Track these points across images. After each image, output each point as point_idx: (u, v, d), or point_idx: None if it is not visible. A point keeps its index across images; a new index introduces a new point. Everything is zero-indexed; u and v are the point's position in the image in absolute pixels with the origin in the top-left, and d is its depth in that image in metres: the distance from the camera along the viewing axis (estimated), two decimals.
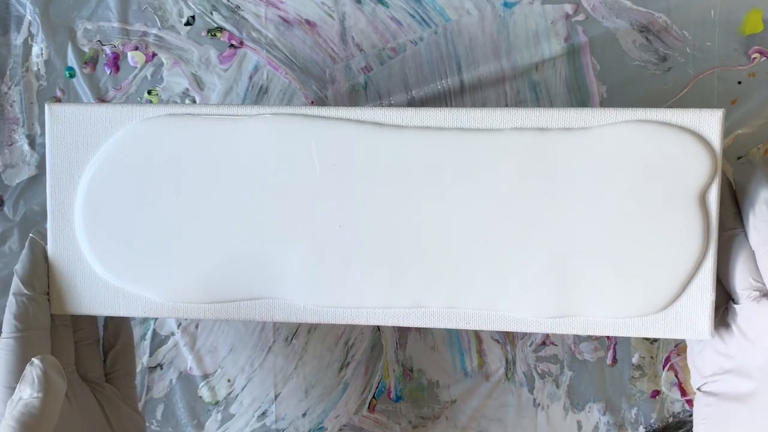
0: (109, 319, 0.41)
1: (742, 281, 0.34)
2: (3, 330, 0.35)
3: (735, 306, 0.34)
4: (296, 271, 0.36)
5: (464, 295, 0.35)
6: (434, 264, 0.35)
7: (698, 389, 0.37)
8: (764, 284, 0.34)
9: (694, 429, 0.37)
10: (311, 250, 0.36)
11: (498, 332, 0.46)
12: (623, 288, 0.34)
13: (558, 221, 0.34)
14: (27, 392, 0.32)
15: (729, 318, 0.35)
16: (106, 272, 0.36)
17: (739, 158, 0.45)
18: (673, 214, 0.33)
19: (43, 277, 0.36)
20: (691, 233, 0.33)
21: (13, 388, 0.33)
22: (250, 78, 0.46)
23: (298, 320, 0.36)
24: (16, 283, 0.36)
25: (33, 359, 0.32)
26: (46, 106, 0.36)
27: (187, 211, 0.36)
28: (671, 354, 0.46)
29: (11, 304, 0.35)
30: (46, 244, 0.37)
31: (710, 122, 0.33)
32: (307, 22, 0.45)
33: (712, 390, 0.36)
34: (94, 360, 0.39)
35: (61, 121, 0.36)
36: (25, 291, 0.35)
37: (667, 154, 0.33)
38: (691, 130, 0.33)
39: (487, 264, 0.35)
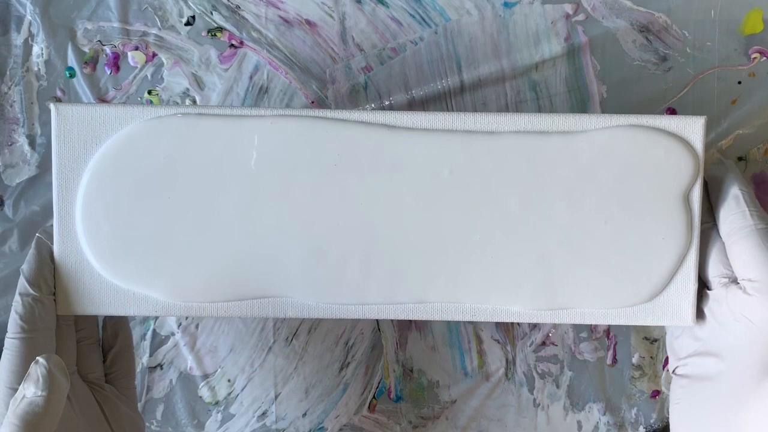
0: (107, 320, 0.40)
1: (714, 269, 0.37)
2: (8, 330, 0.34)
3: (708, 292, 0.37)
4: (299, 269, 0.36)
5: (463, 289, 0.36)
6: (433, 261, 0.36)
7: (673, 372, 0.39)
8: (732, 272, 0.36)
9: (669, 410, 0.39)
10: (313, 249, 0.36)
11: (498, 332, 0.46)
12: (615, 280, 0.36)
13: (554, 219, 0.36)
14: (31, 390, 0.32)
15: (702, 303, 0.37)
16: (110, 273, 0.36)
17: (740, 159, 0.45)
18: (660, 212, 0.36)
19: (49, 278, 0.36)
20: (676, 229, 0.36)
21: (16, 389, 0.33)
22: (251, 78, 0.46)
23: (302, 316, 0.37)
24: (22, 284, 0.35)
25: (38, 358, 0.32)
26: (52, 106, 0.36)
27: (191, 210, 0.36)
28: None
29: (17, 304, 0.35)
30: (53, 243, 0.37)
31: (694, 128, 0.36)
32: (308, 22, 0.45)
33: (686, 372, 0.38)
34: (94, 360, 0.39)
35: (68, 122, 0.36)
36: (32, 291, 0.35)
37: (655, 156, 0.36)
38: (677, 134, 0.36)
39: (483, 260, 0.36)
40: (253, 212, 0.36)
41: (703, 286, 0.37)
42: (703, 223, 0.37)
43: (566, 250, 0.36)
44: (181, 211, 0.36)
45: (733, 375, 0.35)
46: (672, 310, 0.36)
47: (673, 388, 0.39)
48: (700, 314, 0.37)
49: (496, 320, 0.37)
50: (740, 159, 0.45)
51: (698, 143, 0.36)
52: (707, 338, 0.37)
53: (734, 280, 0.36)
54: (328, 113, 0.36)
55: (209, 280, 0.36)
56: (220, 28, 0.45)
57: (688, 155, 0.35)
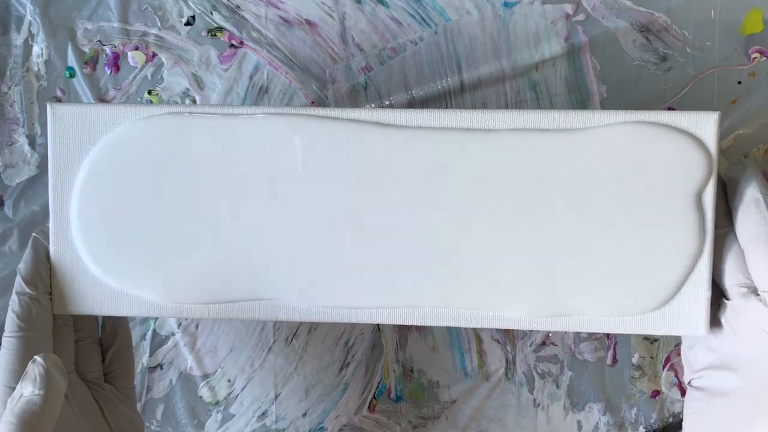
0: (106, 319, 0.40)
1: (731, 278, 0.34)
2: (5, 329, 0.35)
3: (726, 302, 0.35)
4: (291, 272, 0.36)
5: (459, 294, 0.35)
6: (428, 263, 0.35)
7: (689, 384, 0.38)
8: (752, 281, 0.34)
9: (683, 422, 0.38)
10: (306, 251, 0.36)
11: (498, 332, 0.46)
12: (621, 286, 0.34)
13: (555, 221, 0.34)
14: (29, 389, 0.32)
15: (720, 314, 0.35)
16: (103, 274, 0.36)
17: (745, 158, 0.45)
18: (669, 214, 0.34)
19: (45, 277, 0.36)
20: (688, 233, 0.34)
21: (13, 388, 0.33)
22: (251, 78, 0.46)
23: (293, 319, 0.36)
24: (19, 283, 0.36)
25: (35, 357, 0.32)
26: (48, 106, 0.36)
27: (184, 212, 0.36)
28: (671, 354, 0.46)
29: (14, 302, 0.35)
30: (49, 243, 0.37)
31: (706, 124, 0.33)
32: (308, 22, 0.45)
33: (701, 385, 0.36)
34: (93, 360, 0.39)
35: (63, 122, 0.36)
36: (28, 290, 0.35)
37: (664, 155, 0.34)
38: (688, 132, 0.33)
39: (480, 264, 0.35)
40: (245, 213, 0.36)
41: (720, 294, 0.35)
42: (721, 227, 0.35)
43: (568, 254, 0.34)
44: (174, 211, 0.36)
45: (749, 390, 0.34)
46: (683, 319, 0.34)
47: (688, 400, 0.37)
48: (716, 324, 0.35)
49: (494, 326, 0.36)
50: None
51: (711, 141, 0.33)
52: (723, 350, 0.35)
53: (754, 290, 0.34)
54: (320, 111, 0.35)
55: (201, 281, 0.36)
56: (220, 28, 0.45)
57: (700, 153, 0.33)
